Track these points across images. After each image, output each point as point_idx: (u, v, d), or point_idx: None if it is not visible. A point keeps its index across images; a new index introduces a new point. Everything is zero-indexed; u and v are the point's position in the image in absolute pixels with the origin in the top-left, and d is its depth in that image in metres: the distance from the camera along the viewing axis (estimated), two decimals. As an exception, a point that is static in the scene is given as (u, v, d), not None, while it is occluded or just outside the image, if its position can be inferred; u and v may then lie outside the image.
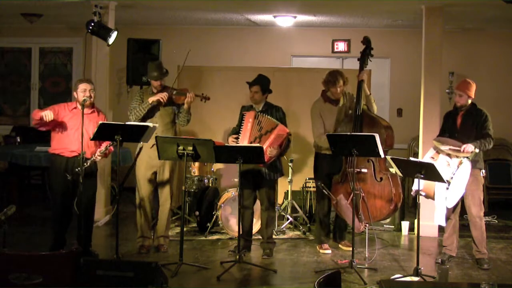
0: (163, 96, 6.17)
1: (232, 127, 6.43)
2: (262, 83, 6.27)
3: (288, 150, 6.38)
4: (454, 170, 5.78)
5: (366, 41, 6.46)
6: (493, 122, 6.12)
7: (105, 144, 5.87)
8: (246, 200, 6.29)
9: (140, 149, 6.25)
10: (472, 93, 6.08)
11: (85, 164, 5.66)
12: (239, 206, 5.90)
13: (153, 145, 6.10)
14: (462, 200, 5.99)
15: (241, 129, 6.21)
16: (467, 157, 5.80)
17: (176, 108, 6.36)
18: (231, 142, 6.17)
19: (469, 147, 5.77)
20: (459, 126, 6.09)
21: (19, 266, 3.91)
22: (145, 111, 6.18)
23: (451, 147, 5.82)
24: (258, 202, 6.54)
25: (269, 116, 6.15)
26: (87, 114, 5.84)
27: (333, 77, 6.44)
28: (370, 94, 6.46)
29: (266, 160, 5.93)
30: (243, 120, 6.22)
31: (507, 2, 5.73)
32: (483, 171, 6.11)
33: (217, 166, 7.85)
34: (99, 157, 5.85)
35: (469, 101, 6.10)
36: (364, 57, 6.43)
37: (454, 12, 7.80)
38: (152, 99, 6.17)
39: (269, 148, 6.01)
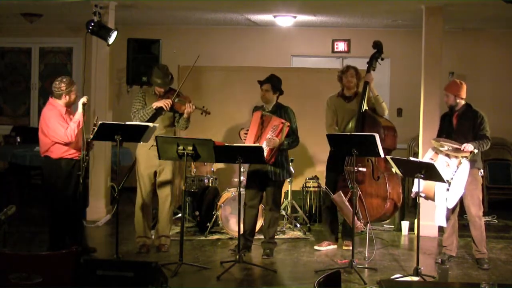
0: (166, 104, 6.17)
1: (231, 127, 6.46)
2: (273, 81, 6.29)
3: (295, 145, 6.29)
4: (453, 170, 5.78)
5: (376, 45, 6.51)
6: (492, 122, 6.13)
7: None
8: (252, 200, 6.30)
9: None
10: (461, 93, 6.09)
11: (87, 157, 5.95)
12: (239, 206, 5.89)
13: (152, 146, 6.11)
14: (461, 200, 6.00)
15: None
16: (465, 157, 5.81)
17: (177, 113, 6.37)
18: (242, 135, 6.25)
19: (469, 147, 5.78)
20: (455, 127, 6.11)
21: (19, 266, 3.91)
22: (149, 116, 6.19)
23: (450, 147, 5.83)
24: None
25: (269, 113, 6.19)
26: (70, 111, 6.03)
27: (344, 68, 6.62)
28: (378, 95, 6.47)
29: (266, 154, 5.91)
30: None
31: (507, 2, 5.73)
32: (482, 170, 6.12)
33: (217, 165, 7.85)
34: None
35: (459, 101, 6.11)
36: (372, 60, 6.48)
37: (454, 12, 7.80)
38: (156, 105, 6.18)
39: (265, 141, 6.02)
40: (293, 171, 7.46)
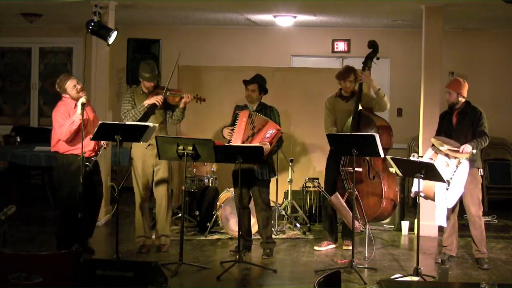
0: (158, 100, 6.15)
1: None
2: (259, 82, 6.28)
3: (279, 150, 6.38)
4: (453, 170, 5.78)
5: (372, 45, 6.51)
6: (492, 122, 6.14)
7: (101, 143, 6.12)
8: (243, 200, 6.29)
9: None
10: (463, 91, 6.09)
11: (98, 153, 6.07)
12: (236, 206, 5.90)
13: (149, 145, 6.11)
14: (461, 199, 6.00)
15: (234, 127, 6.21)
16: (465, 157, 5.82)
17: (169, 109, 6.36)
18: (227, 134, 6.19)
19: (468, 148, 5.78)
20: (455, 125, 6.11)
21: (19, 266, 3.91)
22: (141, 115, 6.16)
23: (450, 147, 5.83)
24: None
25: (261, 115, 6.17)
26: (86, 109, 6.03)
27: (344, 71, 6.57)
28: (380, 89, 6.47)
29: None
30: (237, 119, 6.23)
31: (507, 2, 5.73)
32: (481, 170, 6.12)
33: (217, 165, 7.85)
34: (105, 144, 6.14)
35: (461, 99, 6.11)
36: (367, 60, 6.48)
37: (454, 12, 7.80)
38: (147, 102, 6.15)
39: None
40: (291, 169, 7.45)
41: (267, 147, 6.00)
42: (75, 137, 5.90)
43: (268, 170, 6.23)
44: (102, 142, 6.10)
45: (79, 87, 5.92)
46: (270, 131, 6.07)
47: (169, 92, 6.24)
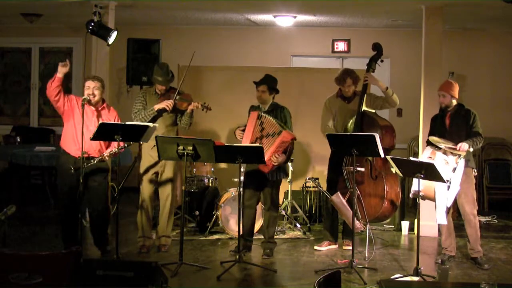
0: (168, 104, 6.18)
1: (231, 127, 6.47)
2: (269, 82, 6.30)
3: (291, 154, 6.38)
4: (453, 167, 5.80)
5: (376, 47, 6.52)
6: (492, 122, 6.16)
7: (114, 145, 5.95)
8: (249, 200, 6.30)
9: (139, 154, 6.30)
10: (456, 93, 6.12)
11: (91, 161, 5.79)
12: (239, 206, 5.91)
13: (154, 146, 6.11)
14: (455, 199, 6.01)
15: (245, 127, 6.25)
16: (460, 156, 5.84)
17: (179, 113, 6.37)
18: (238, 134, 6.23)
19: (465, 146, 5.80)
20: (448, 127, 6.13)
21: (19, 266, 3.91)
22: (151, 118, 6.18)
23: (447, 145, 5.85)
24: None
25: (272, 118, 6.14)
26: (95, 111, 6.03)
27: (342, 75, 6.56)
28: (387, 87, 6.49)
29: (269, 167, 5.98)
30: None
31: (507, 2, 5.73)
32: (475, 170, 6.13)
33: (217, 165, 7.85)
34: (107, 158, 5.97)
35: (454, 102, 6.13)
36: (371, 62, 6.50)
37: (454, 12, 7.80)
38: (157, 107, 6.18)
39: (273, 156, 6.00)
40: (291, 169, 7.45)
41: (283, 160, 6.07)
42: (67, 137, 5.92)
43: (279, 171, 6.23)
44: (106, 154, 5.97)
45: (88, 91, 5.95)
46: (284, 142, 6.04)
47: (179, 97, 6.27)
